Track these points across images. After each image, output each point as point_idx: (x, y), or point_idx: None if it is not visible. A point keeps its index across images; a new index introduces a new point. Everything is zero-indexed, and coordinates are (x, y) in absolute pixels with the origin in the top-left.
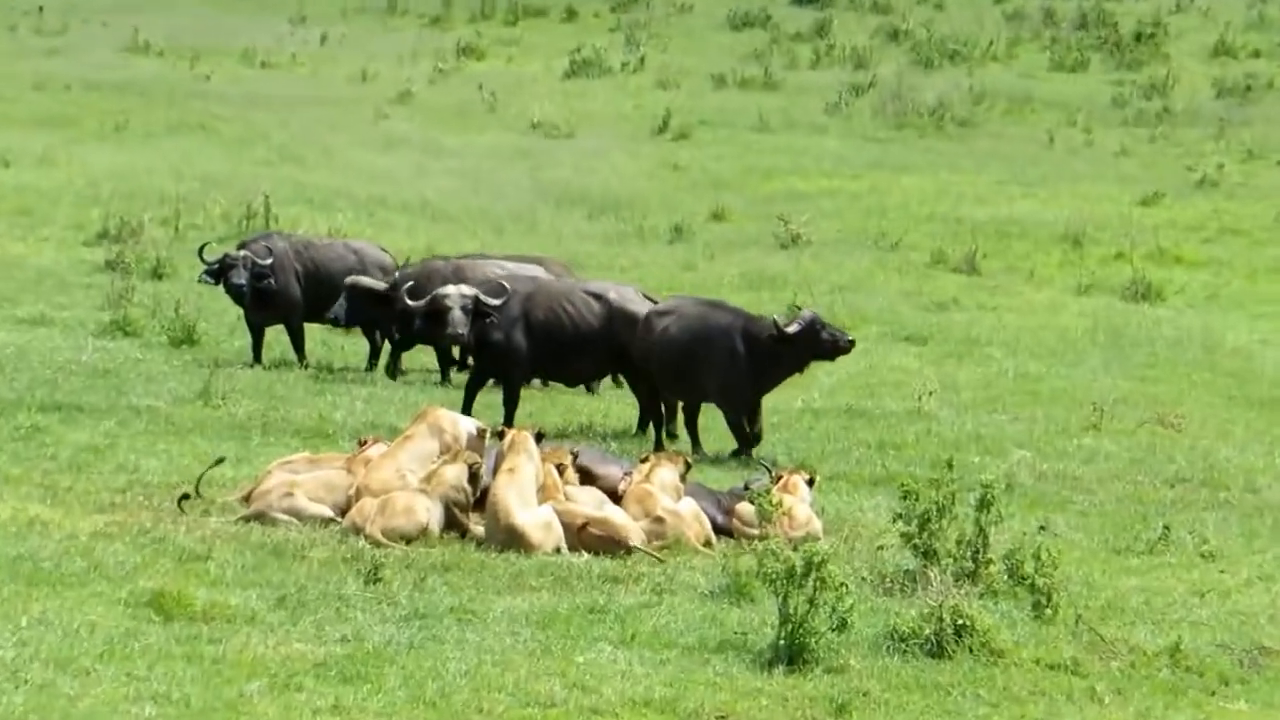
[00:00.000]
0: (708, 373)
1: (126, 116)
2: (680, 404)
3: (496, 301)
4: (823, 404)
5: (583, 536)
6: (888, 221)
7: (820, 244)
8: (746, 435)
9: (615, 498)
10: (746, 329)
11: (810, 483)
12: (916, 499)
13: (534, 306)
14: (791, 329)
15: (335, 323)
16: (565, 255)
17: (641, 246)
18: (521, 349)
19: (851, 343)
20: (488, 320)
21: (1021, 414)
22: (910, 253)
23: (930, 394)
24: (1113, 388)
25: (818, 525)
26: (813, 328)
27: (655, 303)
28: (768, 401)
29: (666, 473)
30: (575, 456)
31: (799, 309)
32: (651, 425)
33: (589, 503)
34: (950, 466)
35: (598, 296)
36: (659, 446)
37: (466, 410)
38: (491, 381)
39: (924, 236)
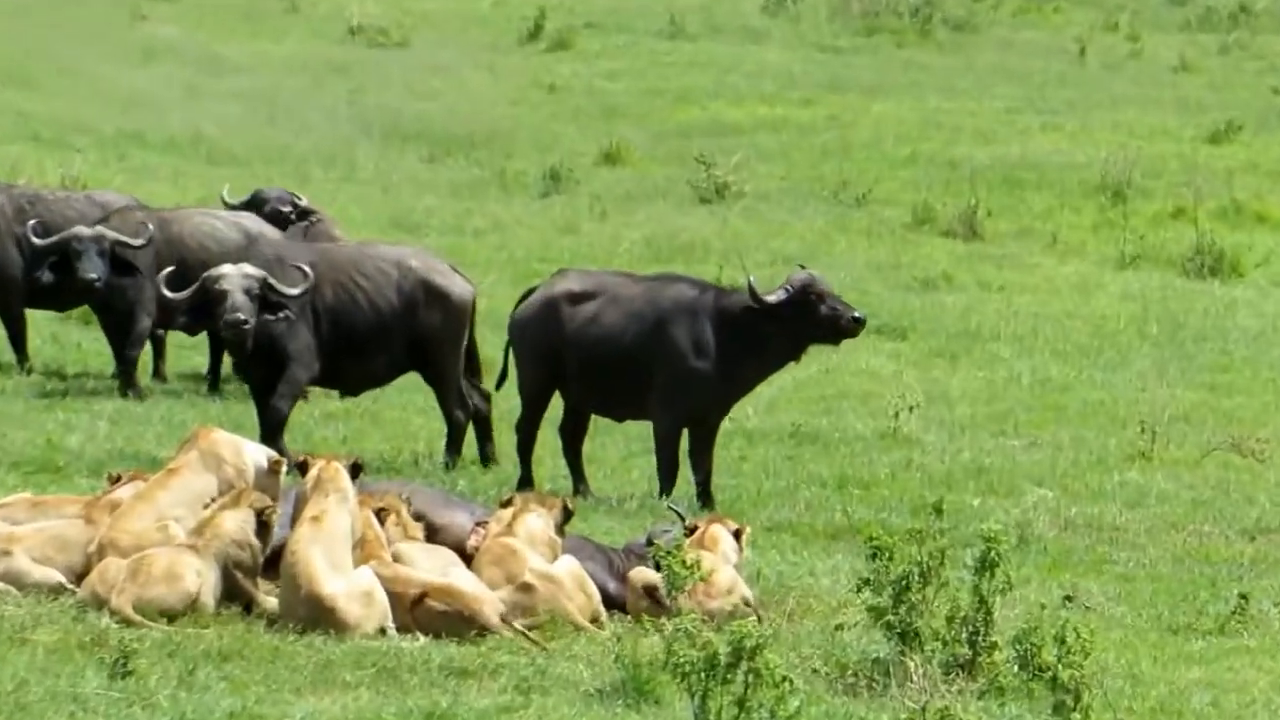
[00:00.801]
0: (664, 376)
1: None
2: (568, 429)
3: (295, 291)
4: (760, 424)
5: (418, 612)
6: (852, 165)
7: (757, 197)
8: (675, 461)
9: (465, 556)
10: (719, 306)
11: (738, 535)
12: (891, 559)
13: (319, 282)
14: (773, 298)
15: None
16: (394, 211)
17: (503, 200)
18: (308, 344)
19: (859, 321)
20: (280, 316)
21: (1040, 437)
22: (884, 209)
23: (912, 409)
24: (1169, 400)
25: (748, 594)
26: (806, 295)
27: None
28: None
29: (536, 521)
30: (408, 500)
31: (803, 268)
32: (519, 456)
33: (427, 564)
34: (939, 512)
35: (397, 265)
36: (523, 485)
37: (271, 434)
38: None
39: (903, 187)
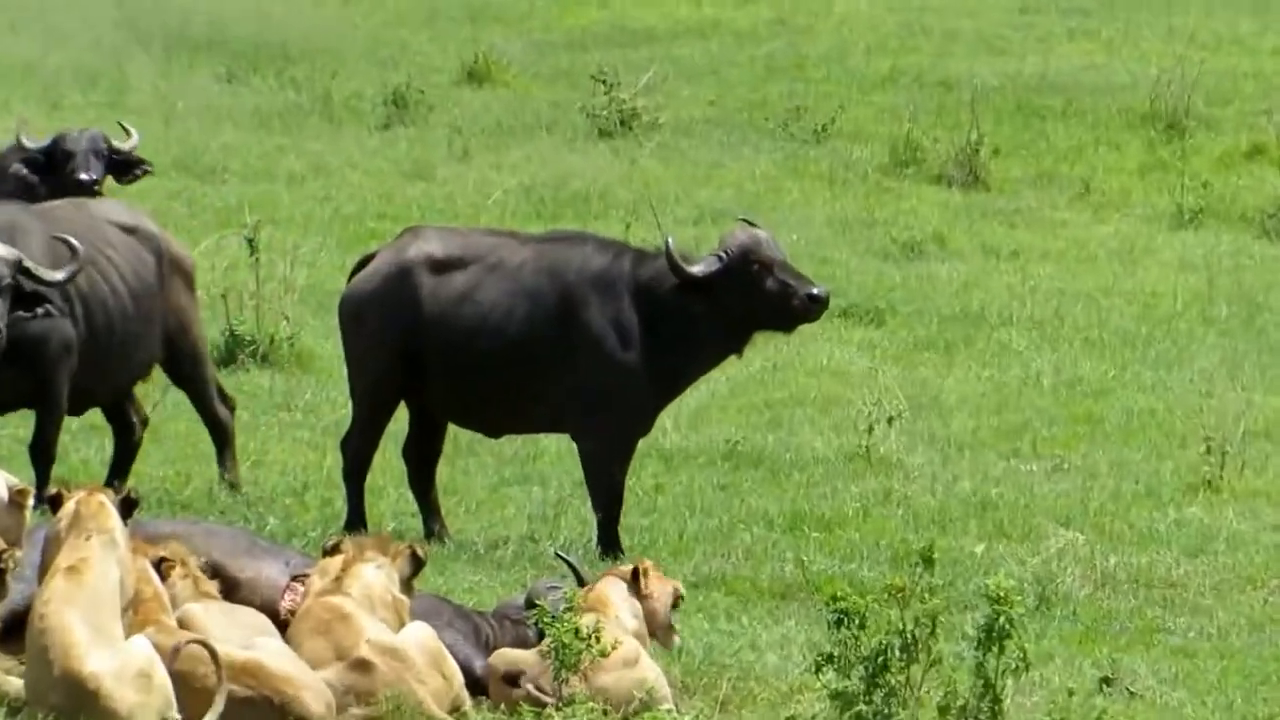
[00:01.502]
0: (571, 371)
1: None
2: (417, 448)
3: (59, 276)
4: (682, 441)
5: (214, 695)
6: (807, 87)
7: (677, 130)
8: (618, 493)
9: (279, 621)
10: (639, 277)
11: (636, 578)
12: (862, 627)
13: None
14: (700, 268)
15: None
16: (180, 149)
17: (329, 134)
18: (71, 341)
19: (818, 299)
20: (40, 312)
21: (1068, 460)
22: (852, 147)
23: (891, 421)
24: (1243, 408)
25: (653, 675)
26: (745, 264)
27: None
28: (561, 441)
29: (375, 574)
30: (200, 546)
31: (749, 221)
32: (347, 486)
33: (225, 632)
34: (928, 563)
35: (136, 230)
36: (355, 524)
37: (43, 460)
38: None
39: (877, 116)
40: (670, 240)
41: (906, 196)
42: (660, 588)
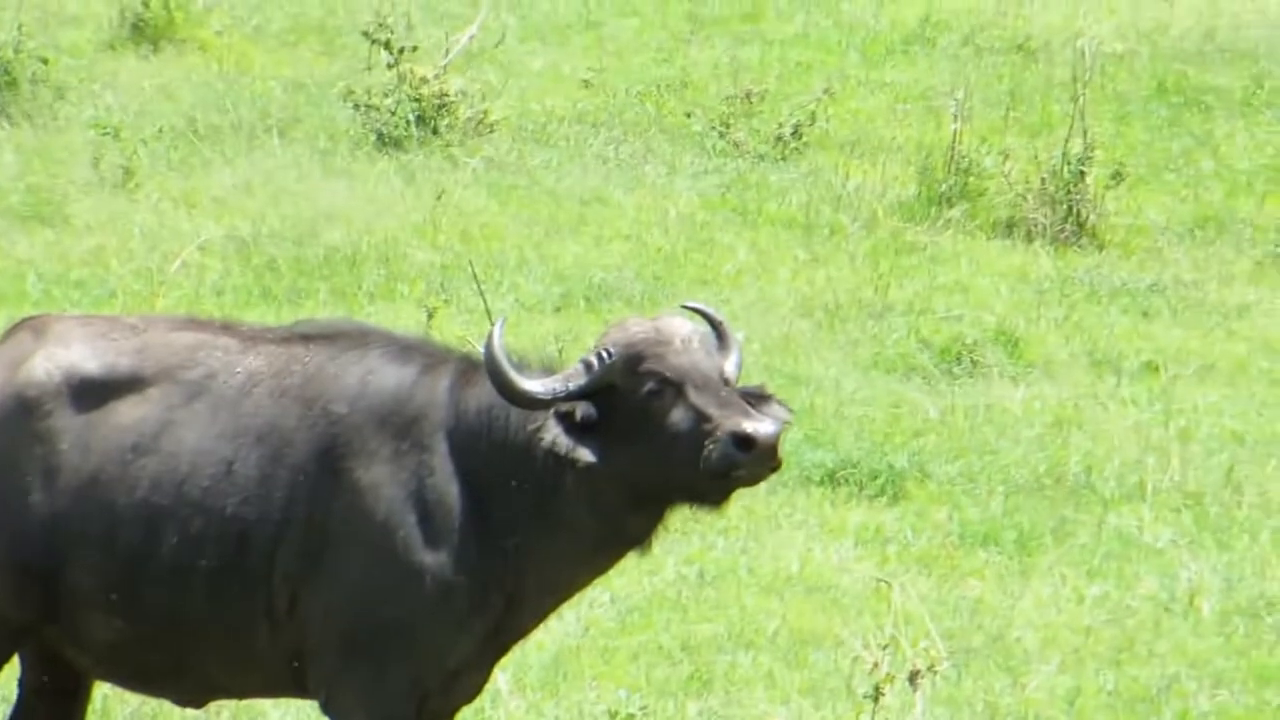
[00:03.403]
0: (329, 583)
1: None
2: None
3: None
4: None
5: None
6: (762, 55)
7: (522, 134)
8: None
9: None
10: (462, 411)
11: None
12: None
13: None
14: (546, 386)
15: None
16: None
17: None
18: None
19: (754, 444)
20: None
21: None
22: (845, 164)
23: (918, 678)
24: None
25: None
26: (634, 376)
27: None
28: None
29: None
30: None
31: (698, 311)
32: None
33: None
34: None
35: None
36: None
37: None
38: None
39: (893, 107)
40: (497, 332)
41: (947, 259)
42: None
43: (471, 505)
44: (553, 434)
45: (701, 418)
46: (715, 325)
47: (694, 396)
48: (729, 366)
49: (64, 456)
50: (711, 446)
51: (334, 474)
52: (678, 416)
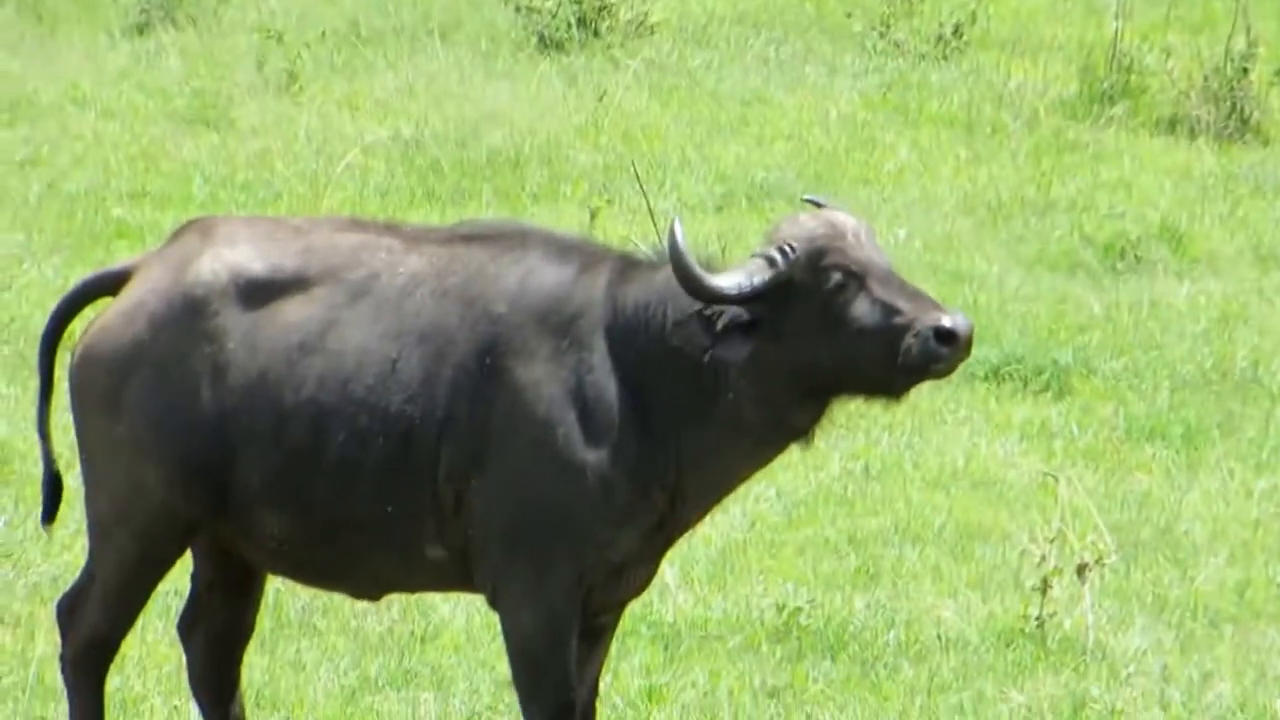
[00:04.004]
0: (492, 477)
1: None
2: (210, 631)
3: None
4: (698, 609)
5: None
6: None
7: (682, 36)
8: (568, 702)
9: None
10: (621, 306)
11: None
12: None
13: None
14: (733, 282)
15: None
16: None
17: (35, 40)
18: None
19: (953, 339)
20: None
21: None
22: (1008, 64)
23: (1085, 570)
24: None
25: None
26: (818, 271)
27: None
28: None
29: None
30: None
31: (817, 203)
32: None
33: None
34: None
35: None
36: None
37: None
38: None
39: (1051, 8)
40: (678, 229)
41: (1110, 156)
42: None
43: (631, 401)
44: (687, 332)
45: (892, 311)
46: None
47: (879, 290)
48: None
49: (231, 355)
50: (912, 340)
51: (495, 373)
52: (865, 310)
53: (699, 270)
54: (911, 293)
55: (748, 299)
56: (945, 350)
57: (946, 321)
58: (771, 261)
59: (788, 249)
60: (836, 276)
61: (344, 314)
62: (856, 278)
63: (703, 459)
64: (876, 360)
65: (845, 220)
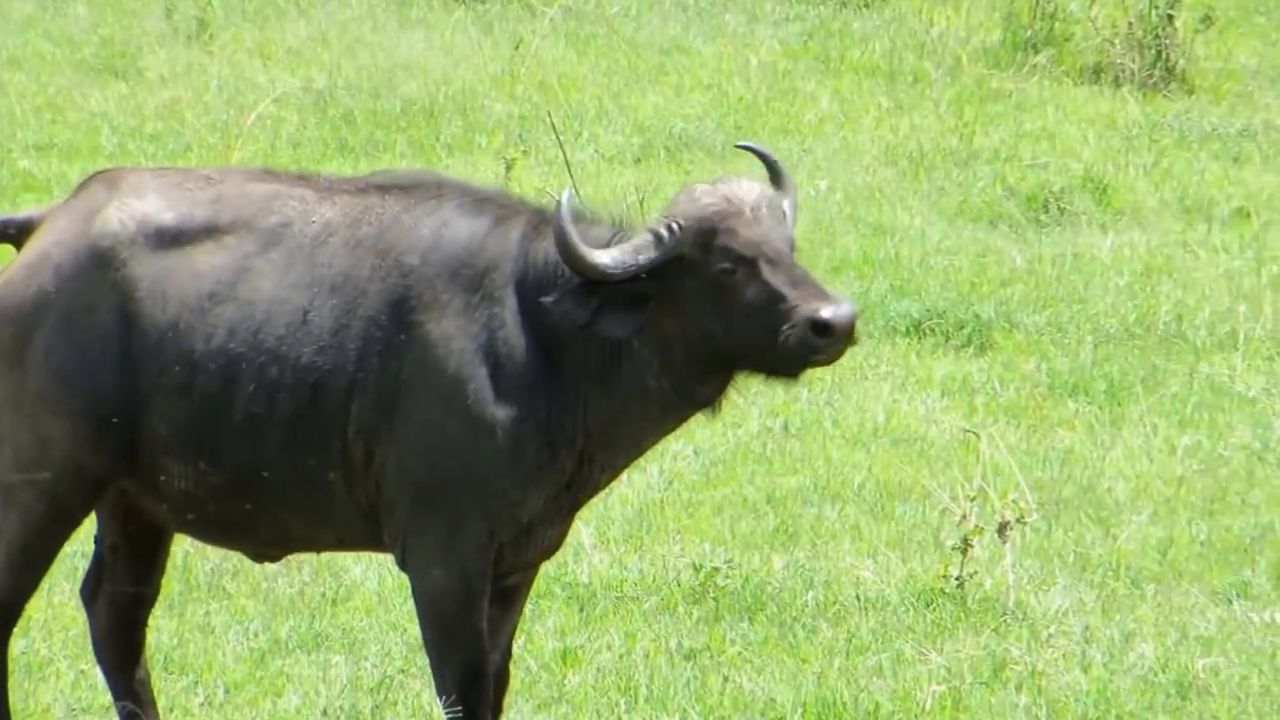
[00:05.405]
0: (400, 435)
1: None
2: (116, 592)
3: None
4: (614, 569)
5: None
6: None
7: None
8: (480, 664)
9: None
10: (533, 262)
11: None
12: None
13: None
14: (612, 258)
15: None
16: None
17: None
18: None
19: (830, 330)
20: None
21: None
22: (930, 12)
23: (1007, 529)
24: None
25: None
26: (706, 252)
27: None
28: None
29: None
30: None
31: (756, 152)
32: None
33: None
34: None
35: None
36: None
37: None
38: None
39: None
40: (566, 201)
41: (1033, 106)
42: None
43: (542, 360)
44: (564, 307)
45: (776, 298)
46: (770, 165)
47: (767, 274)
48: (787, 207)
49: (140, 305)
50: (789, 331)
51: (406, 326)
52: (752, 294)
53: (582, 246)
54: (799, 278)
55: (632, 276)
56: (822, 342)
57: (825, 313)
58: (659, 239)
59: (675, 226)
60: (724, 258)
61: (256, 263)
62: (745, 261)
63: (609, 424)
64: (760, 345)
65: (746, 194)
